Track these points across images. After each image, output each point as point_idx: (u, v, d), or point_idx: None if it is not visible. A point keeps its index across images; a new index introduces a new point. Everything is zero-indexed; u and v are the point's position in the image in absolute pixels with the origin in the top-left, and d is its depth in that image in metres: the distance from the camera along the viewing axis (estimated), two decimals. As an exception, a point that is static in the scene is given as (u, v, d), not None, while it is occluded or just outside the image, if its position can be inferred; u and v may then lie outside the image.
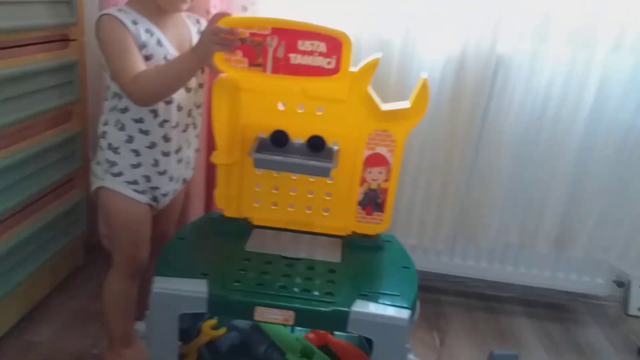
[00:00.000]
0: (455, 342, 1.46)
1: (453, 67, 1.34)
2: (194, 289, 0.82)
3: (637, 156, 1.39)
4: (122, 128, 1.04)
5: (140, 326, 1.05)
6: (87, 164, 1.47)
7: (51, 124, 1.29)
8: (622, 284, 1.67)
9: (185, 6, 1.01)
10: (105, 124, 1.07)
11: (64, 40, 1.29)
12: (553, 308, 1.68)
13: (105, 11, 0.99)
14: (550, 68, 1.33)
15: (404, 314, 0.82)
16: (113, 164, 1.06)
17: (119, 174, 1.07)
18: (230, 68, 0.92)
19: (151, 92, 0.97)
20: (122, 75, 0.96)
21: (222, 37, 0.88)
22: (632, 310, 1.68)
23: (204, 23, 1.11)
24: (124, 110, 1.03)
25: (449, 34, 1.33)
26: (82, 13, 1.32)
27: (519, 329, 1.56)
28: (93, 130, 1.45)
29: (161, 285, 0.83)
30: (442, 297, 1.66)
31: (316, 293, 0.83)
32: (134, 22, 0.98)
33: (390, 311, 0.81)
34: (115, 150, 1.06)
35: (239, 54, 0.91)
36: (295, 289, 0.84)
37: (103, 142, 1.07)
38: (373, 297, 0.84)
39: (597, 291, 1.62)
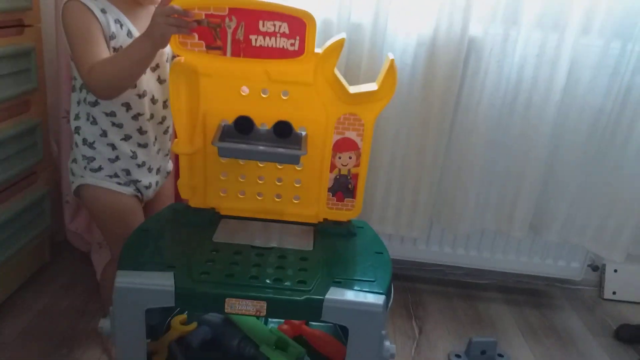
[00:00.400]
0: (434, 330, 1.45)
1: (425, 51, 1.32)
2: (159, 282, 0.77)
3: (607, 140, 1.39)
4: (94, 122, 1.01)
5: (104, 323, 1.00)
6: (49, 156, 1.42)
7: (8, 114, 1.23)
8: (597, 268, 1.69)
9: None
10: (77, 118, 1.03)
11: (19, 26, 1.23)
12: (530, 294, 1.68)
13: None
14: (522, 51, 1.32)
15: (379, 299, 0.79)
16: (91, 159, 1.04)
17: (99, 169, 1.04)
18: (187, 52, 0.88)
19: (107, 83, 0.92)
20: (81, 65, 0.92)
21: (175, 18, 0.84)
22: (607, 294, 1.70)
23: None
24: (94, 103, 0.99)
25: (420, 17, 1.31)
26: (38, 1, 1.26)
27: (497, 315, 1.56)
28: (54, 120, 1.41)
29: (124, 279, 0.78)
30: (420, 285, 1.65)
31: (288, 282, 0.80)
32: (103, 11, 0.94)
33: (365, 297, 0.79)
34: (90, 145, 1.03)
35: (195, 36, 0.86)
36: (267, 279, 0.80)
37: (77, 138, 1.04)
38: (347, 284, 0.81)
39: (573, 275, 1.62)
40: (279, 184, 0.99)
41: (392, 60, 0.89)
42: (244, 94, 0.92)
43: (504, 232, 1.49)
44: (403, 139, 1.41)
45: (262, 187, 0.99)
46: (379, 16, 1.28)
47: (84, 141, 1.03)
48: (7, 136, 1.22)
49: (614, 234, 1.46)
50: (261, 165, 0.98)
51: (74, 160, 1.06)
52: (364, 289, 0.80)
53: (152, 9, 1.00)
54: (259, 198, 1.00)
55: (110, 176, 1.04)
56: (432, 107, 1.36)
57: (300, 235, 0.96)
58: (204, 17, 0.85)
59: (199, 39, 0.87)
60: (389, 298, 0.82)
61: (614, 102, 1.34)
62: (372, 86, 0.92)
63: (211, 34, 0.86)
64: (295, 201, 1.00)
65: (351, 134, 0.94)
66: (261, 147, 0.92)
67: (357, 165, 0.97)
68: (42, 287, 1.42)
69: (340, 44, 0.88)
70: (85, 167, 1.04)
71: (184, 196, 0.99)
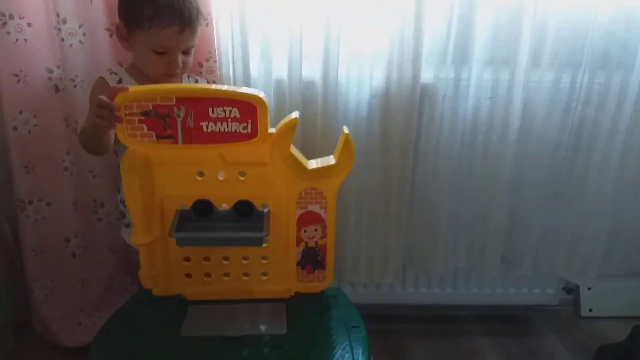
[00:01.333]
0: (418, 375, 1.43)
1: (379, 102, 1.32)
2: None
3: (567, 172, 1.42)
4: None
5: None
6: (4, 243, 1.35)
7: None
8: (571, 290, 1.71)
9: (174, 80, 1.09)
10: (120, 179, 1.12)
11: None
12: (509, 322, 1.68)
13: (100, 74, 1.11)
14: (474, 93, 1.33)
15: (358, 385, 0.77)
16: (123, 215, 1.23)
17: (127, 225, 1.22)
18: (137, 142, 0.85)
19: (82, 145, 1.05)
20: None
21: (101, 110, 0.83)
22: (584, 312, 1.72)
23: (202, 82, 1.19)
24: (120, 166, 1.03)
25: (371, 70, 1.31)
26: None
27: (479, 348, 1.55)
28: (6, 204, 1.34)
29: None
30: (400, 327, 1.63)
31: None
32: (119, 82, 1.08)
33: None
34: (123, 203, 1.17)
35: (144, 127, 0.84)
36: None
37: (118, 196, 1.24)
38: (324, 373, 0.79)
39: (549, 301, 1.64)
40: (245, 262, 0.96)
41: (347, 135, 0.88)
42: (199, 178, 0.90)
43: (477, 269, 1.49)
44: (366, 190, 1.40)
45: (228, 268, 0.96)
46: (329, 71, 1.27)
47: (120, 199, 1.21)
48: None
49: (585, 260, 1.48)
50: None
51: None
52: (343, 378, 0.77)
53: (175, 80, 1.11)
54: (226, 279, 0.97)
55: None
56: (392, 156, 1.36)
57: (272, 315, 0.93)
58: (151, 108, 0.83)
59: (148, 129, 0.84)
60: (369, 382, 0.80)
61: (569, 135, 1.37)
62: (330, 160, 0.91)
63: (160, 124, 0.84)
64: (264, 278, 0.98)
65: (314, 207, 0.93)
66: (222, 233, 0.89)
67: (323, 237, 0.95)
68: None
69: (293, 123, 0.86)
70: (122, 222, 1.25)
71: (146, 286, 0.95)
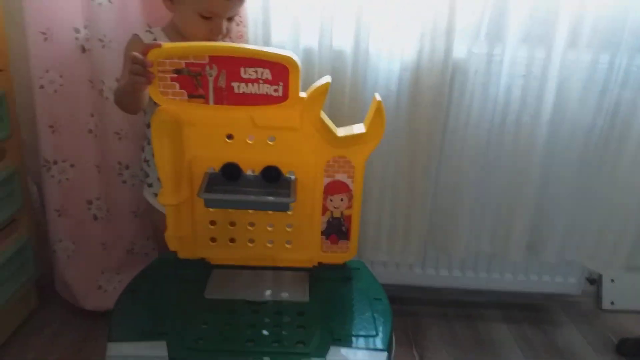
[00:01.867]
0: (435, 356, 1.42)
1: (409, 75, 1.29)
2: (152, 354, 0.73)
3: (599, 157, 1.37)
4: (149, 142, 1.16)
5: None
6: (29, 204, 1.36)
7: (-18, 165, 1.18)
8: (594, 281, 1.67)
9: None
10: (145, 138, 1.19)
11: (-15, 71, 1.18)
12: (529, 310, 1.66)
13: (136, 32, 1.10)
14: (508, 71, 1.29)
15: (382, 356, 0.76)
16: (145, 175, 1.22)
17: (150, 185, 1.21)
18: (169, 101, 0.84)
19: (116, 104, 1.05)
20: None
21: (136, 66, 0.82)
22: (606, 305, 1.68)
23: None
24: (149, 125, 1.05)
25: (403, 42, 1.27)
26: (6, 42, 1.21)
27: (498, 335, 1.53)
28: (33, 165, 1.36)
29: (116, 352, 0.75)
30: (418, 309, 1.62)
31: (286, 343, 0.76)
32: (154, 41, 1.06)
33: (367, 356, 0.76)
34: (147, 162, 1.19)
35: (177, 85, 0.82)
36: (264, 341, 0.77)
37: (142, 155, 1.22)
38: (347, 341, 0.77)
39: (571, 290, 1.61)
40: (270, 229, 0.96)
41: (380, 102, 0.86)
42: (229, 141, 0.89)
43: (501, 255, 1.46)
44: (392, 166, 1.38)
45: (253, 234, 0.96)
46: (360, 43, 1.24)
47: (144, 158, 1.20)
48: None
49: (611, 250, 1.44)
50: (251, 211, 0.94)
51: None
52: (366, 346, 0.77)
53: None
54: (250, 245, 0.96)
55: (156, 194, 1.07)
56: (420, 132, 1.33)
57: (295, 283, 0.93)
58: (184, 65, 0.81)
59: (180, 88, 0.83)
60: (390, 352, 0.79)
61: (604, 118, 1.33)
62: (360, 128, 0.89)
63: (192, 82, 0.82)
64: (288, 246, 0.97)
65: (342, 176, 0.91)
66: (249, 197, 0.88)
67: (349, 207, 0.94)
68: (30, 339, 1.36)
69: (325, 88, 0.84)
70: (143, 181, 1.25)
71: (172, 248, 0.94)
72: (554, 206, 1.42)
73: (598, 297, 1.70)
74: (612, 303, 1.68)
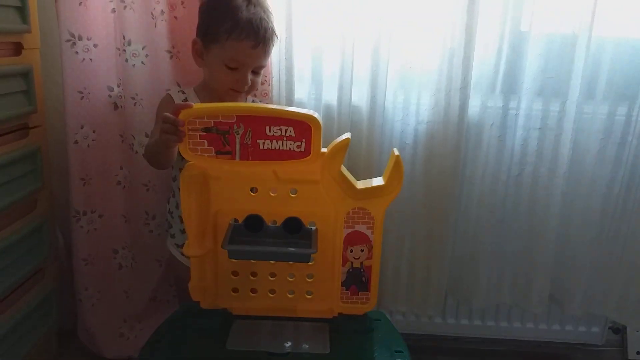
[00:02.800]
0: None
1: (425, 129, 1.33)
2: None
3: (622, 208, 1.37)
4: (173, 195, 1.21)
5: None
6: (55, 253, 1.41)
7: (16, 216, 1.23)
8: (619, 330, 1.63)
9: (238, 98, 1.14)
10: (170, 190, 1.24)
11: (25, 128, 1.25)
12: (551, 359, 1.62)
13: (169, 90, 1.20)
14: (523, 123, 1.32)
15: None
16: (169, 226, 1.26)
17: (172, 236, 1.25)
18: (197, 157, 0.89)
19: (147, 159, 1.10)
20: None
21: (168, 126, 0.86)
22: (631, 355, 1.64)
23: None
24: (174, 178, 1.12)
25: (419, 97, 1.32)
26: (42, 100, 1.29)
27: (519, 386, 1.50)
28: (62, 214, 1.41)
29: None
30: (438, 358, 1.59)
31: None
32: (185, 100, 1.13)
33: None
34: (171, 214, 1.24)
35: (205, 143, 0.87)
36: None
37: (167, 207, 1.26)
38: (368, 395, 0.78)
39: (594, 340, 1.58)
40: (291, 279, 0.97)
41: (398, 156, 0.89)
42: (252, 194, 0.92)
43: (522, 306, 1.45)
44: (409, 218, 1.40)
45: (274, 284, 0.98)
46: (377, 97, 1.29)
47: (168, 210, 1.25)
48: (15, 239, 1.21)
49: (638, 303, 1.42)
50: (272, 262, 0.97)
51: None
52: (387, 400, 0.77)
53: (240, 99, 1.16)
54: (271, 295, 0.98)
55: (179, 246, 1.17)
56: (437, 183, 1.35)
57: (315, 334, 0.93)
58: (213, 125, 0.86)
59: (209, 145, 0.88)
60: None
61: (624, 170, 1.33)
62: (379, 181, 0.92)
63: (220, 140, 0.87)
64: (308, 297, 0.98)
65: (361, 227, 0.94)
66: (271, 248, 0.91)
67: (369, 257, 0.95)
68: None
69: (345, 143, 0.88)
70: (166, 231, 1.28)
71: (195, 298, 0.97)
72: (576, 258, 1.41)
73: (623, 347, 1.65)
74: (638, 353, 1.64)
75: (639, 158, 1.33)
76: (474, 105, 1.32)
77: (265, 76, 1.28)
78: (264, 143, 0.87)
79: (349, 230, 0.94)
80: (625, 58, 1.28)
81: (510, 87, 1.30)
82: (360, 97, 1.32)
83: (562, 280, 1.43)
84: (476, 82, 1.30)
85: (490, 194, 1.35)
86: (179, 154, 0.91)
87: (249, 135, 0.87)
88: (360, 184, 0.92)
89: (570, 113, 1.29)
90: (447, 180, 1.34)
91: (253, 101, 1.26)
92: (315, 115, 0.86)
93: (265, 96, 1.30)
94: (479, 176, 1.35)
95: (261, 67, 1.15)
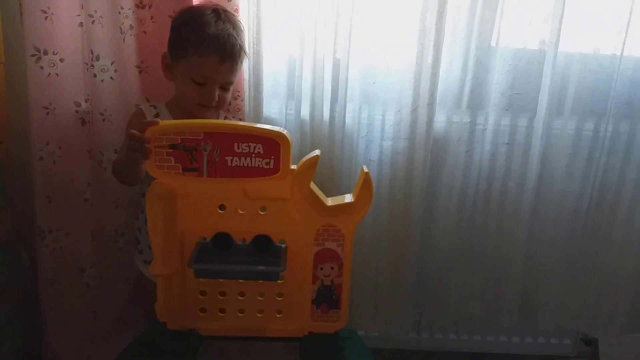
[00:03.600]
0: None
1: (390, 145, 1.33)
2: None
3: (592, 223, 1.39)
4: (142, 210, 1.20)
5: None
6: (19, 272, 1.36)
7: (-25, 237, 1.19)
8: (590, 342, 1.65)
9: (209, 113, 1.14)
10: (140, 206, 1.23)
11: (-15, 146, 1.21)
12: (525, 372, 1.63)
13: (139, 104, 1.20)
14: (491, 138, 1.33)
15: None
16: (137, 241, 1.25)
17: (141, 252, 1.25)
18: (164, 174, 0.87)
19: (115, 175, 1.10)
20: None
21: (134, 143, 0.85)
22: (603, 365, 1.66)
23: (230, 120, 1.24)
24: (144, 194, 1.07)
25: (383, 113, 1.33)
26: (5, 116, 1.25)
27: (494, 401, 1.50)
28: (26, 233, 1.36)
29: None
30: (413, 373, 1.59)
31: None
32: (156, 115, 1.13)
33: None
34: (139, 230, 1.24)
35: (172, 160, 0.86)
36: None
37: (135, 223, 1.26)
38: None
39: (566, 352, 1.59)
40: (260, 298, 0.96)
41: (367, 173, 0.89)
42: (221, 212, 0.91)
43: (493, 320, 1.46)
44: (374, 235, 1.39)
45: (243, 304, 0.96)
46: (336, 112, 1.29)
47: (137, 225, 1.25)
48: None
49: (609, 316, 1.44)
50: (241, 280, 0.95)
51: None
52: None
53: (210, 115, 1.16)
54: (241, 315, 0.97)
55: (147, 262, 1.16)
56: (403, 200, 1.35)
57: (286, 354, 0.92)
58: (179, 141, 0.85)
59: (175, 162, 0.86)
60: None
61: (592, 185, 1.35)
62: (348, 197, 0.92)
63: (187, 157, 0.86)
64: (279, 315, 0.97)
65: (331, 245, 0.93)
66: (239, 266, 0.90)
67: (339, 275, 0.95)
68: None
69: (314, 161, 0.88)
70: (135, 248, 1.27)
71: (162, 319, 0.94)
72: (546, 272, 1.42)
73: (595, 358, 1.67)
74: (610, 365, 1.66)
75: (608, 174, 1.35)
76: (440, 121, 1.33)
77: (239, 91, 1.27)
78: (232, 160, 0.86)
79: (319, 248, 0.93)
80: (591, 74, 1.30)
81: (477, 102, 1.31)
82: (321, 112, 1.31)
83: (533, 295, 1.45)
84: (442, 97, 1.30)
85: (458, 209, 1.36)
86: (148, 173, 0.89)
87: (216, 152, 0.86)
88: (330, 201, 0.92)
89: (538, 128, 1.31)
90: (413, 196, 1.34)
91: (225, 117, 1.26)
92: (285, 132, 0.86)
93: (239, 111, 1.29)
94: (446, 192, 1.35)
95: (229, 83, 1.14)
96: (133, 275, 1.40)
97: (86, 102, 1.29)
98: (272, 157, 0.86)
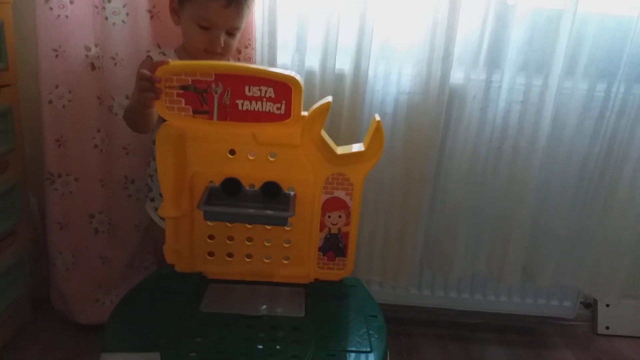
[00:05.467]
0: (429, 378, 1.42)
1: (406, 99, 1.32)
2: (146, 366, 0.74)
3: (596, 183, 1.39)
4: (154, 158, 1.16)
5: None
6: (28, 216, 1.38)
7: (-15, 177, 1.20)
8: (590, 305, 1.68)
9: (215, 59, 1.09)
10: (151, 154, 1.22)
11: (-5, 86, 1.21)
12: (524, 333, 1.66)
13: (149, 50, 1.18)
14: (506, 97, 1.32)
15: (375, 372, 0.77)
16: (149, 189, 1.26)
17: (152, 200, 1.24)
18: (174, 116, 0.86)
19: (126, 122, 1.08)
20: None
21: (145, 83, 0.84)
22: (601, 329, 1.69)
23: None
24: (154, 142, 1.04)
25: (400, 66, 1.31)
26: (13, 58, 1.24)
27: (492, 357, 1.53)
28: (34, 178, 1.38)
29: (110, 363, 0.75)
30: (413, 329, 1.62)
31: (281, 357, 0.77)
32: None
33: (360, 374, 0.76)
34: (151, 177, 1.24)
35: (182, 101, 0.85)
36: (258, 355, 0.77)
37: (147, 170, 1.26)
38: (342, 357, 0.78)
39: (566, 314, 1.62)
40: (268, 244, 0.97)
41: (379, 122, 0.88)
42: (230, 156, 0.91)
43: (496, 277, 1.47)
44: (386, 188, 1.39)
45: (251, 249, 0.97)
46: (360, 65, 1.27)
47: (149, 173, 1.24)
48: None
49: (609, 276, 1.45)
50: (249, 226, 0.96)
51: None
52: (360, 363, 0.77)
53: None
54: (248, 260, 0.98)
55: (158, 210, 1.11)
56: (416, 155, 1.35)
57: (291, 298, 0.94)
58: (190, 82, 0.84)
59: (186, 104, 0.85)
60: (385, 369, 0.79)
61: (600, 145, 1.35)
62: (359, 147, 0.91)
63: (198, 99, 0.85)
64: (285, 262, 0.98)
65: (340, 193, 0.93)
66: (248, 210, 0.90)
67: (347, 224, 0.95)
68: (24, 352, 1.36)
69: (326, 107, 0.87)
70: (146, 195, 1.27)
71: (169, 261, 0.96)
72: (550, 231, 1.43)
73: (593, 321, 1.70)
74: (607, 328, 1.69)
75: (617, 134, 1.35)
76: (458, 77, 1.32)
77: (249, 40, 1.25)
78: (242, 104, 0.85)
79: (328, 196, 0.93)
80: (608, 33, 1.28)
81: (494, 59, 1.29)
82: (343, 65, 1.30)
83: (536, 251, 1.46)
84: (460, 53, 1.29)
85: (469, 166, 1.36)
86: (160, 117, 0.88)
87: (227, 95, 0.85)
88: (340, 150, 0.92)
89: (552, 87, 1.29)
90: (426, 151, 1.34)
91: None
92: (296, 76, 0.84)
93: (249, 60, 1.27)
94: (459, 148, 1.35)
95: (235, 28, 1.11)
96: (143, 223, 1.41)
97: (96, 46, 1.27)
98: (284, 101, 0.85)
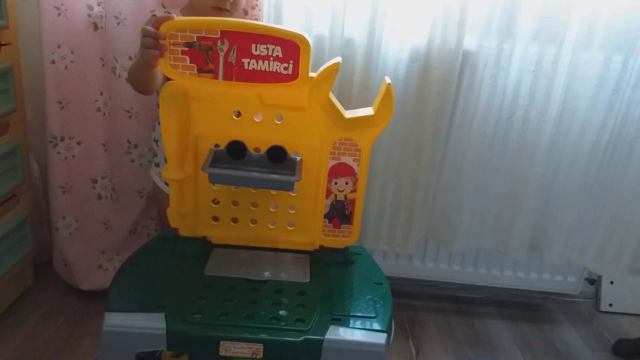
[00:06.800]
0: (431, 350, 1.42)
1: (418, 65, 1.29)
2: (150, 325, 0.73)
3: (609, 157, 1.36)
4: (159, 122, 1.10)
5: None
6: (30, 180, 1.36)
7: (-14, 138, 1.18)
8: (594, 282, 1.67)
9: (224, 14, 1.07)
10: (156, 118, 1.19)
11: (-5, 44, 1.18)
12: (527, 308, 1.66)
13: (154, 10, 1.17)
14: (518, 66, 1.29)
15: (381, 338, 0.76)
16: (154, 154, 1.23)
17: (157, 165, 1.22)
18: (178, 74, 0.84)
19: (130, 83, 1.06)
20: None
21: (148, 39, 0.81)
22: (604, 307, 1.68)
23: None
24: (159, 105, 1.01)
25: (413, 32, 1.27)
26: (14, 16, 1.21)
27: (494, 331, 1.53)
28: (36, 142, 1.36)
29: (113, 322, 0.74)
30: (415, 302, 1.62)
31: (285, 321, 0.76)
32: None
33: (365, 337, 0.75)
34: (156, 142, 1.21)
35: (187, 59, 0.82)
36: (263, 318, 0.77)
37: (152, 135, 1.23)
38: (346, 322, 0.78)
39: (570, 289, 1.61)
40: (273, 210, 0.95)
41: (389, 85, 0.86)
42: (236, 118, 0.89)
43: (502, 252, 1.46)
44: (395, 156, 1.38)
45: (256, 214, 0.96)
46: (373, 31, 1.25)
47: (154, 138, 1.21)
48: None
49: (616, 254, 1.43)
50: (254, 191, 0.94)
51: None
52: (365, 327, 0.76)
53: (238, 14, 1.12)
54: (252, 225, 0.96)
55: None
56: (425, 123, 1.33)
57: (295, 264, 0.93)
58: (195, 39, 0.81)
59: (191, 62, 0.83)
60: (390, 334, 0.79)
61: (615, 118, 1.31)
62: (368, 111, 0.89)
63: (203, 57, 0.82)
64: (290, 228, 0.97)
65: (347, 159, 0.91)
66: (254, 174, 0.88)
67: (353, 190, 0.93)
68: (25, 315, 1.37)
69: (335, 68, 0.84)
70: (150, 161, 1.26)
71: (173, 225, 0.94)
72: (559, 206, 1.41)
73: (597, 298, 1.70)
74: (611, 305, 1.68)
75: (632, 107, 1.31)
76: (469, 44, 1.28)
77: (257, 0, 1.21)
78: (249, 63, 0.83)
79: (335, 162, 0.92)
80: (625, 4, 1.24)
81: (507, 26, 1.26)
82: (354, 29, 1.26)
83: (543, 227, 1.44)
84: (473, 20, 1.25)
85: (478, 135, 1.33)
86: (165, 78, 0.86)
87: (233, 53, 0.82)
88: (348, 114, 0.89)
89: (565, 56, 1.26)
90: (437, 119, 1.32)
91: None
92: (305, 35, 0.81)
93: (255, 22, 1.24)
94: (469, 117, 1.32)
95: None
96: (147, 189, 1.40)
97: (99, 5, 1.24)
98: (291, 61, 0.82)
